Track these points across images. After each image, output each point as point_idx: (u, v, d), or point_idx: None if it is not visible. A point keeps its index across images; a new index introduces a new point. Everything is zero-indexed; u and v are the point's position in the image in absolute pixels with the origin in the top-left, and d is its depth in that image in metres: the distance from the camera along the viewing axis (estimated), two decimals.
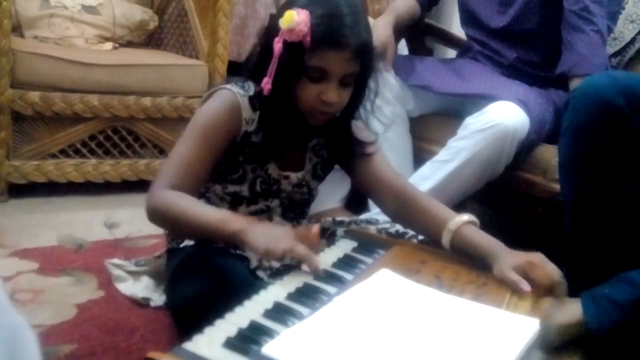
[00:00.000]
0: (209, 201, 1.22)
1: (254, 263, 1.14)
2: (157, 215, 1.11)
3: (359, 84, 1.14)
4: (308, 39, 1.05)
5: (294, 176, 1.23)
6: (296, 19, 1.05)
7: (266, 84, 1.09)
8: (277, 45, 1.07)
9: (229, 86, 1.16)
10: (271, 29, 1.13)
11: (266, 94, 1.10)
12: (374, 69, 1.16)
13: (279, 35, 1.07)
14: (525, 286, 0.99)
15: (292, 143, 1.21)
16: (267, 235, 0.98)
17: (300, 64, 1.08)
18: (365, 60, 1.10)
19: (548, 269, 1.02)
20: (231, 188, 1.21)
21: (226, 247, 1.11)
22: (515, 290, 0.99)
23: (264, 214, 1.24)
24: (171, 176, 1.10)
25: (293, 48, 1.06)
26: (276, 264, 1.15)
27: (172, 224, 1.12)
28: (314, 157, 1.26)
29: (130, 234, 1.72)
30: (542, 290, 1.01)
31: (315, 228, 1.02)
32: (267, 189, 1.22)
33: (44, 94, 1.85)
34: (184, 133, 1.16)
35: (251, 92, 1.15)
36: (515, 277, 1.00)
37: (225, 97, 1.15)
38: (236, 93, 1.15)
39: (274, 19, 1.12)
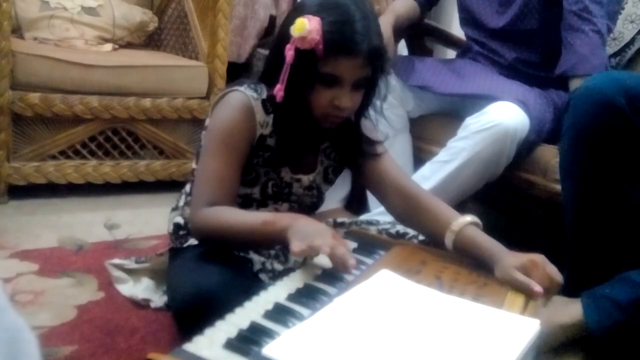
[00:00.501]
0: None
1: (257, 266, 1.14)
2: (204, 235, 1.12)
3: (369, 86, 1.14)
4: (320, 47, 1.05)
5: (306, 179, 1.23)
6: (308, 27, 1.04)
7: (279, 90, 1.08)
8: (289, 53, 1.06)
9: (241, 88, 1.15)
10: (282, 35, 1.11)
11: (279, 100, 1.09)
12: (385, 72, 1.15)
13: (291, 43, 1.06)
14: (537, 287, 0.98)
15: (305, 146, 1.21)
16: (307, 234, 0.97)
17: (312, 70, 1.07)
18: (377, 64, 1.10)
19: (549, 270, 1.02)
20: (242, 190, 1.20)
21: (230, 249, 1.11)
22: (526, 293, 0.99)
23: None
24: (207, 194, 1.10)
25: (305, 55, 1.06)
26: (279, 267, 1.15)
27: (221, 239, 1.11)
28: (325, 159, 1.26)
29: (131, 235, 1.72)
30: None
31: (350, 245, 1.02)
32: (279, 191, 1.22)
33: (44, 96, 1.85)
34: (204, 145, 1.16)
35: (264, 96, 1.15)
36: (523, 278, 0.99)
37: (239, 100, 1.14)
38: (249, 96, 1.14)
39: (285, 24, 1.11)
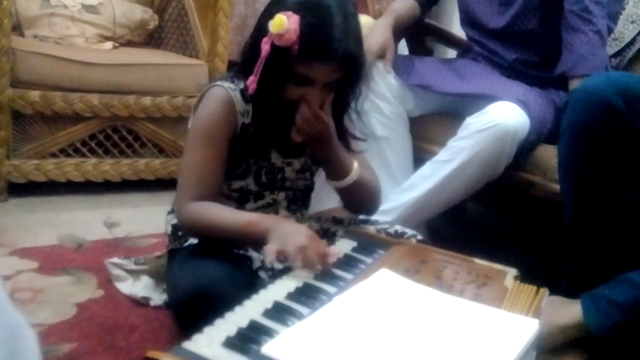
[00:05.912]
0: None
1: (256, 264, 1.14)
2: (190, 230, 1.15)
3: (347, 88, 1.16)
4: (296, 47, 1.06)
5: (297, 162, 1.24)
6: (286, 26, 1.04)
7: (252, 82, 1.10)
8: (265, 47, 1.07)
9: (219, 82, 1.18)
10: (260, 27, 1.13)
11: (251, 92, 1.11)
12: (361, 76, 1.17)
13: (268, 37, 1.07)
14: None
15: (287, 131, 1.21)
16: (285, 235, 1.01)
17: (286, 68, 1.08)
18: (351, 69, 1.12)
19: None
20: (236, 184, 1.21)
21: (230, 247, 1.12)
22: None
23: (271, 208, 1.25)
24: (191, 188, 1.13)
25: (281, 52, 1.06)
26: (279, 266, 1.15)
27: (206, 235, 1.14)
28: None
29: (130, 233, 1.72)
30: None
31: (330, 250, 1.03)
32: (272, 178, 1.23)
33: (44, 93, 1.85)
34: (188, 141, 1.18)
35: (241, 86, 1.16)
36: None
37: (218, 94, 1.16)
38: (227, 88, 1.16)
39: (264, 16, 1.12)
